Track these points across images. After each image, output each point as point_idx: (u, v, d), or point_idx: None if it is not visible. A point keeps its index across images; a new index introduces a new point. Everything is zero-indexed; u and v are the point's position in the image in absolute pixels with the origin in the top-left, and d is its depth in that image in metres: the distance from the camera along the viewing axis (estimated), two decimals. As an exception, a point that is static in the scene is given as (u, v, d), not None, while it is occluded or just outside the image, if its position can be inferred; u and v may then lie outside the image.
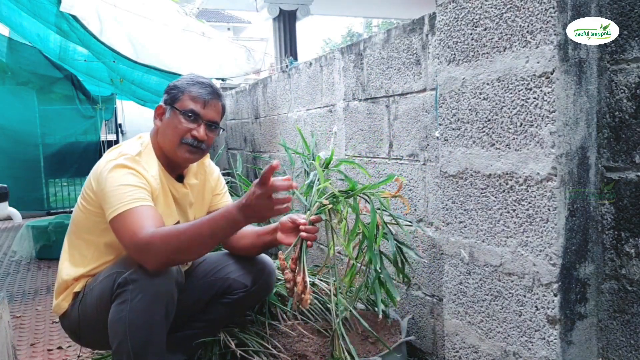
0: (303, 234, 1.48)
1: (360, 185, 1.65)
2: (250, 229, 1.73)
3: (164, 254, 1.31)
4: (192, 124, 1.51)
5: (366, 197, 1.58)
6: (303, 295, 1.42)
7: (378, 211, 1.56)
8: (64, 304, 1.54)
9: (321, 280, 2.04)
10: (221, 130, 1.62)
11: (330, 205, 1.55)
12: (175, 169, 1.60)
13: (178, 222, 1.59)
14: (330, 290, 1.88)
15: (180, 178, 1.63)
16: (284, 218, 1.56)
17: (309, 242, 1.49)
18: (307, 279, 1.44)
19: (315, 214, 1.54)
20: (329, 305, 1.89)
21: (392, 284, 1.60)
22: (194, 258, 1.40)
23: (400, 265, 1.64)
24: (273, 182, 1.22)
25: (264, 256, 1.76)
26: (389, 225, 1.62)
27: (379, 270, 1.57)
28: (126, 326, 1.34)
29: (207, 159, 1.74)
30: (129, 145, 1.53)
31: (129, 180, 1.40)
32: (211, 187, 1.73)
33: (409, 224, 1.74)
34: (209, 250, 1.47)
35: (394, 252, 1.62)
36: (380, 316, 1.63)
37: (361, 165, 1.71)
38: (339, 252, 1.81)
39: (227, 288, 1.66)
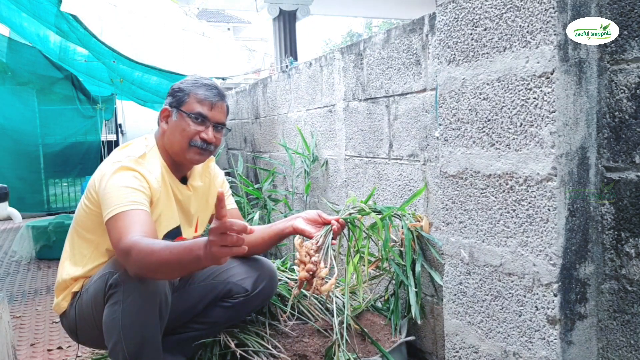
0: (335, 225, 1.50)
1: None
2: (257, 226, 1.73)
3: (138, 266, 1.27)
4: (200, 126, 1.52)
5: (397, 216, 1.70)
6: (327, 280, 1.40)
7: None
8: (63, 304, 1.54)
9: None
10: (228, 130, 1.63)
11: (359, 215, 1.62)
12: (180, 170, 1.60)
13: (179, 226, 1.59)
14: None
15: (184, 180, 1.63)
16: (311, 211, 1.59)
17: (333, 241, 1.50)
18: (333, 265, 1.46)
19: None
20: (329, 305, 1.89)
21: (420, 310, 1.72)
22: (166, 279, 1.36)
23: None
24: (226, 221, 1.07)
25: (267, 261, 1.76)
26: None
27: (411, 294, 1.71)
28: (120, 327, 1.33)
29: (212, 162, 1.74)
30: (134, 147, 1.53)
31: (129, 182, 1.40)
32: (216, 190, 1.73)
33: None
34: (179, 276, 1.49)
35: (419, 272, 1.76)
36: (395, 338, 1.72)
37: (392, 216, 1.80)
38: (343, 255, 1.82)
39: (228, 292, 1.65)
